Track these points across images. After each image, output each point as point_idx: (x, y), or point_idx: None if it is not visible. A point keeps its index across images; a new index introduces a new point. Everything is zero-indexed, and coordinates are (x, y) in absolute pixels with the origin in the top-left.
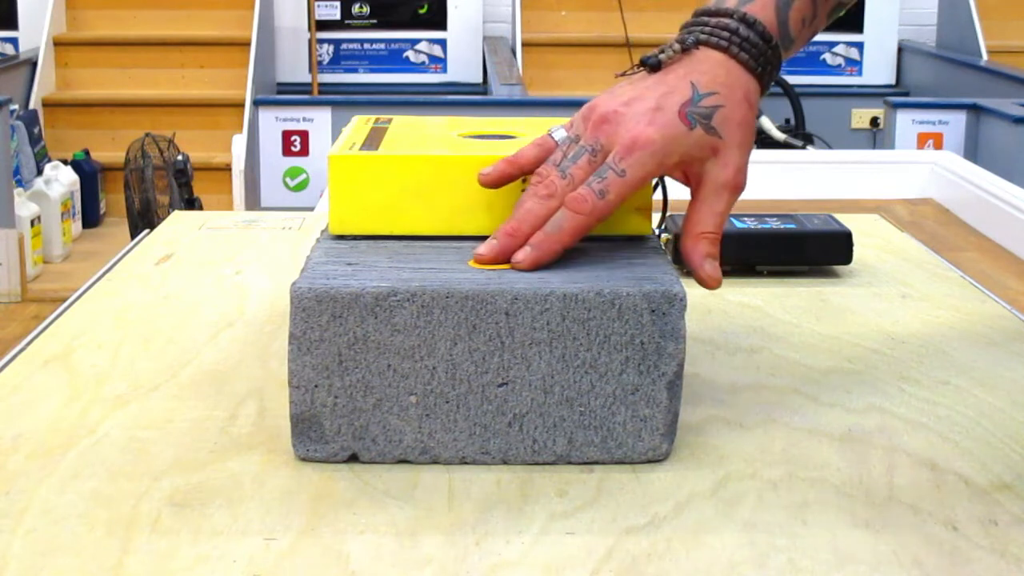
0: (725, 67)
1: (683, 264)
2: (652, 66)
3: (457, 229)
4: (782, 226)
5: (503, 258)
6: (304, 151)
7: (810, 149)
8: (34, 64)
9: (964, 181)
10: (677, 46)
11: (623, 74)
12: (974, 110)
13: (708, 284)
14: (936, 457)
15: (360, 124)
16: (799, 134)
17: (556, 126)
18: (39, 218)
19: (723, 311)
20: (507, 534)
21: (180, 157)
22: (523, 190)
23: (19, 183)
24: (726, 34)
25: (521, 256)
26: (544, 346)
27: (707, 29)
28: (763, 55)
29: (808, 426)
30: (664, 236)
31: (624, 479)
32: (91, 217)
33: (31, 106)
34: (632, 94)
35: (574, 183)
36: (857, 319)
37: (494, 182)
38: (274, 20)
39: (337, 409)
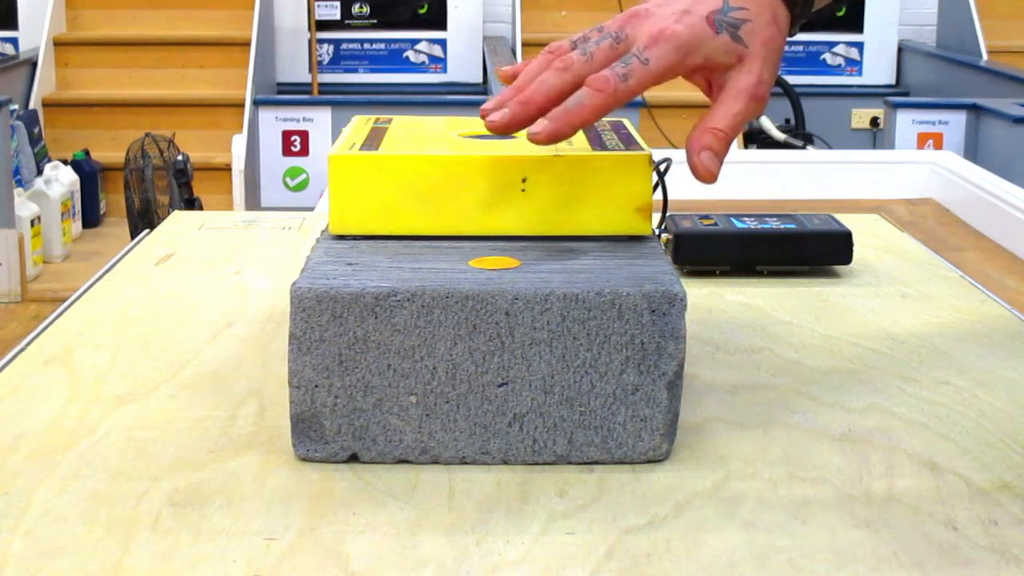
0: None
1: (683, 264)
2: None
3: (457, 229)
4: (782, 226)
5: (514, 126)
6: (304, 151)
7: (810, 149)
8: (34, 64)
9: (964, 181)
10: None
11: None
12: (974, 110)
13: (700, 174)
14: (936, 457)
15: (360, 124)
16: (799, 134)
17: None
18: (39, 218)
19: (723, 311)
20: (507, 534)
21: (180, 157)
22: (522, 190)
23: (19, 183)
24: None
25: (539, 128)
26: (544, 346)
27: None
28: None
29: (808, 426)
30: (664, 236)
31: (624, 479)
32: (91, 217)
33: (31, 106)
34: (665, 0)
35: (593, 63)
36: (857, 319)
37: (510, 76)
38: (274, 20)
39: (337, 409)
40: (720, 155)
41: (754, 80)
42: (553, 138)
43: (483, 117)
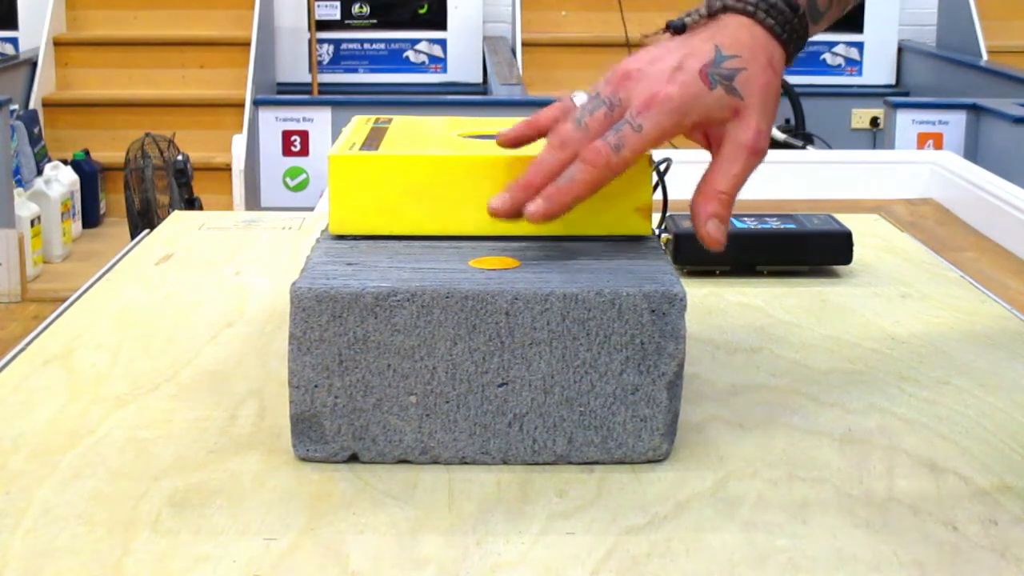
0: (749, 31)
1: (683, 264)
2: (676, 29)
3: (457, 229)
4: (782, 226)
5: (516, 211)
6: (304, 151)
7: (810, 149)
8: (34, 64)
9: (964, 181)
10: (703, 10)
11: (647, 36)
12: (974, 110)
13: (708, 244)
14: (936, 457)
15: (360, 124)
16: (799, 134)
17: (578, 91)
18: (39, 218)
19: (723, 311)
20: (507, 534)
21: (180, 157)
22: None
23: (19, 183)
24: None
25: (533, 208)
26: (544, 346)
27: None
28: (789, 22)
29: (808, 426)
30: (664, 236)
31: (624, 479)
32: (91, 217)
33: (31, 106)
34: (655, 54)
35: (588, 134)
36: (857, 319)
37: (512, 141)
38: (274, 20)
39: (337, 409)
40: (726, 220)
41: (752, 134)
42: (547, 217)
43: (490, 214)
